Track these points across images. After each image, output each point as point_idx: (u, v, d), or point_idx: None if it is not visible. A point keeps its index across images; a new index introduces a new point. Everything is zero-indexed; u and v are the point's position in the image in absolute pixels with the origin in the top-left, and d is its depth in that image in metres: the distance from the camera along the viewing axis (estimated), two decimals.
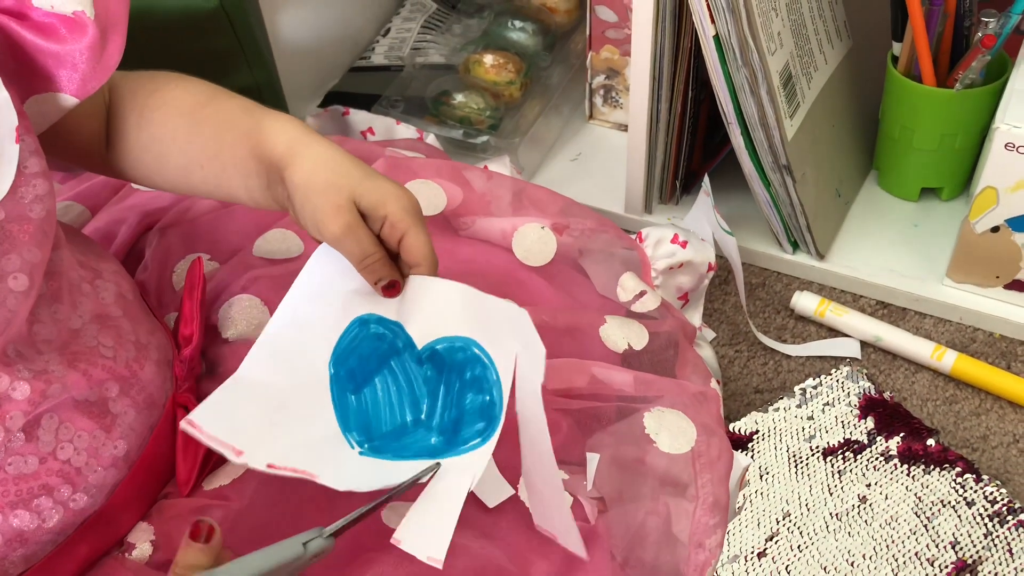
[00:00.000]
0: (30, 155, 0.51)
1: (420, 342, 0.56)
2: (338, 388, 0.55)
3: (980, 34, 0.93)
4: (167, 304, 0.69)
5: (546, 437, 0.52)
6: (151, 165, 0.61)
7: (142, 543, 0.56)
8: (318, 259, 0.56)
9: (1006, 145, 0.88)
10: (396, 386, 0.56)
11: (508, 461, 0.60)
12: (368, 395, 0.56)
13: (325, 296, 0.56)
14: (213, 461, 0.60)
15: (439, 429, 0.55)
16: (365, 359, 0.56)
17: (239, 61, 0.94)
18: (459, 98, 1.11)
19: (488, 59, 1.13)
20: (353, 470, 0.53)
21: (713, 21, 0.88)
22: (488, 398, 0.54)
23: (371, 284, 0.56)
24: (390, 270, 0.55)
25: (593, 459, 0.64)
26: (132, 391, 0.56)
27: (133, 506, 0.57)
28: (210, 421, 0.50)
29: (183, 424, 0.50)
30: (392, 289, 0.56)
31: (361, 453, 0.54)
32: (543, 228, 0.79)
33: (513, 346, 0.54)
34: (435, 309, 0.56)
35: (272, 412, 0.53)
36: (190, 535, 0.46)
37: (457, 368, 0.55)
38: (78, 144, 0.61)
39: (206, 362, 0.66)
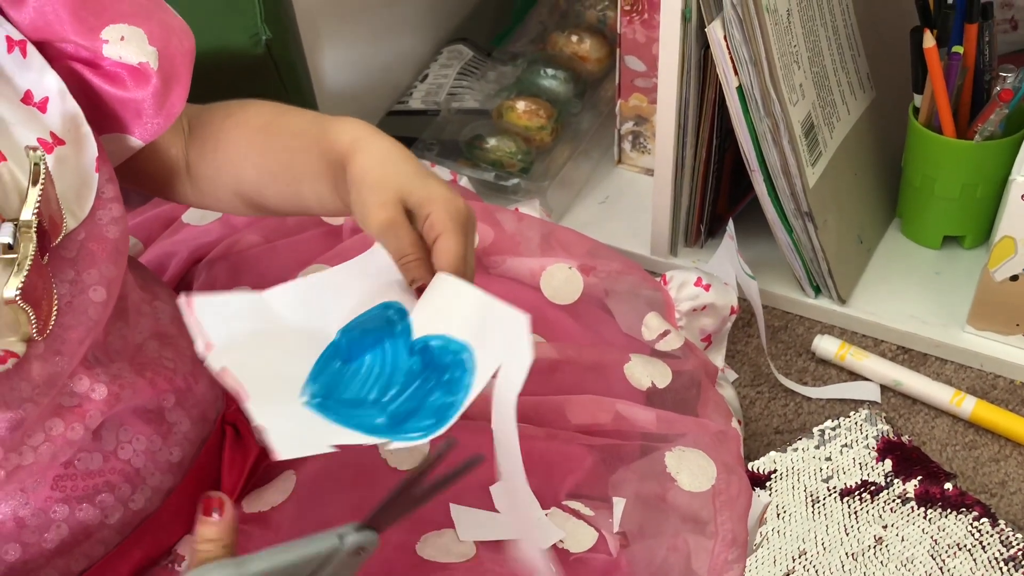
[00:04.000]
0: (107, 182, 0.56)
1: (417, 332, 0.55)
2: (331, 352, 0.55)
3: (999, 88, 0.95)
4: None
5: (517, 457, 0.52)
6: (228, 185, 0.63)
7: (191, 555, 0.59)
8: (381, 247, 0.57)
9: (1023, 196, 0.90)
10: (380, 368, 0.55)
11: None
12: (353, 367, 0.55)
13: (373, 280, 0.57)
14: (258, 475, 0.63)
15: (391, 414, 0.54)
16: (367, 333, 0.56)
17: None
18: (492, 142, 1.15)
19: (521, 105, 1.17)
20: (282, 412, 0.52)
21: (736, 73, 0.91)
22: (451, 400, 0.53)
23: (407, 283, 0.56)
24: (426, 272, 0.54)
25: (620, 503, 0.65)
26: (187, 404, 0.59)
27: (183, 514, 0.60)
28: (205, 309, 0.51)
29: (180, 299, 0.51)
30: None
31: (306, 403, 0.53)
32: (570, 269, 0.80)
33: (501, 355, 0.53)
34: (446, 306, 0.55)
35: (262, 335, 0.53)
36: (202, 511, 0.47)
37: (440, 369, 0.54)
38: (158, 174, 0.64)
39: None
